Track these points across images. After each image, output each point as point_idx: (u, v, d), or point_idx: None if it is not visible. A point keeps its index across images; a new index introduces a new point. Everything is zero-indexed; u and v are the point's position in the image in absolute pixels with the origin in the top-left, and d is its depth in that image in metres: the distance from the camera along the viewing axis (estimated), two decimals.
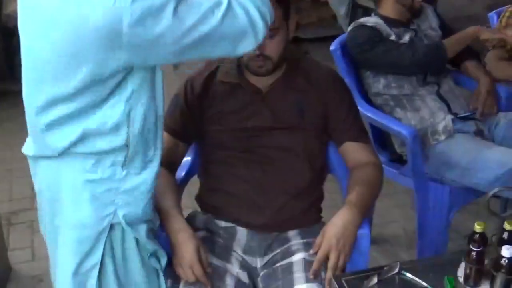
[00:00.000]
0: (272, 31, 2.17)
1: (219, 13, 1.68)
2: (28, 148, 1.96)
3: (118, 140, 1.81)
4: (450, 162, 2.86)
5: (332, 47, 3.20)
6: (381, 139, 3.15)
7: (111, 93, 1.75)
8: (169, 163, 2.36)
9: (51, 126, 1.80)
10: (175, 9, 1.62)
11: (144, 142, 1.85)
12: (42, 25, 1.71)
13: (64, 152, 1.82)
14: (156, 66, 1.82)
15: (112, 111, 1.77)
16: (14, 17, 4.85)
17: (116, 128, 1.79)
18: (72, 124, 1.78)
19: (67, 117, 1.77)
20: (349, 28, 3.18)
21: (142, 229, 1.92)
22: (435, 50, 3.00)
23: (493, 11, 3.57)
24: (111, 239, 1.89)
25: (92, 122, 1.77)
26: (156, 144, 1.91)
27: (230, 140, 2.35)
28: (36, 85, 1.79)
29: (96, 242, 1.87)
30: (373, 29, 3.03)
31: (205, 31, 1.67)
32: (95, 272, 1.89)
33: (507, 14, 3.35)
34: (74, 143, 1.79)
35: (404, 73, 3.01)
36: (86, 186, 1.84)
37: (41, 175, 1.95)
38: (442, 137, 2.93)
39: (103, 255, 1.88)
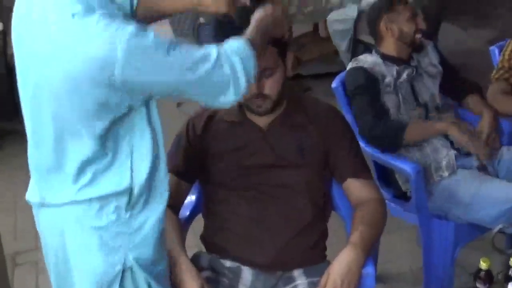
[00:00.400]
0: (269, 70, 2.21)
1: (208, 64, 1.69)
2: (32, 194, 1.94)
3: (123, 182, 1.79)
4: (454, 198, 2.85)
5: (333, 85, 3.21)
6: (385, 176, 3.14)
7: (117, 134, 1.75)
8: (173, 203, 2.34)
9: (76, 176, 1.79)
10: (168, 52, 1.63)
11: (148, 182, 1.83)
12: (39, 63, 1.70)
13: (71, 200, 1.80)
14: (152, 108, 1.80)
15: (118, 154, 1.77)
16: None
17: (120, 170, 1.78)
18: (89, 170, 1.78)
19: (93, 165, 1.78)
20: (348, 67, 3.20)
21: (154, 272, 1.89)
22: (393, 135, 2.94)
23: (494, 45, 3.58)
24: (123, 286, 1.84)
25: (102, 165, 1.77)
26: (161, 183, 1.88)
27: (232, 178, 2.36)
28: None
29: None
30: (368, 74, 3.03)
31: (192, 80, 1.68)
32: None
33: (509, 48, 3.35)
34: (84, 187, 1.78)
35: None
36: (94, 233, 1.81)
37: (45, 223, 1.92)
38: (446, 173, 2.93)
39: None
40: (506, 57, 3.35)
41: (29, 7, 1.73)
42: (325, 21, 5.67)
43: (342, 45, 5.43)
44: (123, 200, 1.79)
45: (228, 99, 1.76)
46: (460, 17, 7.07)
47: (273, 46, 2.15)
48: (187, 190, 2.44)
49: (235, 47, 1.76)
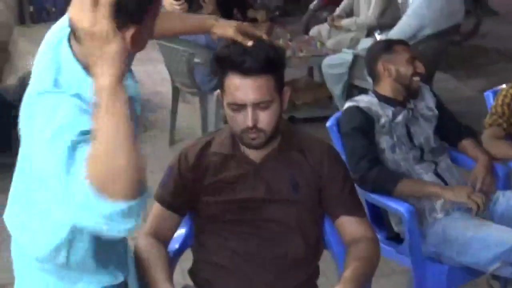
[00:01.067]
0: (264, 103, 2.17)
1: None
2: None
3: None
4: (448, 241, 2.82)
5: (328, 124, 3.21)
6: (378, 217, 3.11)
7: None
8: (162, 235, 2.33)
9: None
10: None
11: None
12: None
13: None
14: None
15: None
16: (12, 90, 4.88)
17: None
18: None
19: None
20: (345, 107, 3.18)
21: None
22: (384, 186, 2.91)
23: (489, 91, 3.59)
24: None
25: None
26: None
27: (223, 211, 2.32)
28: None
29: None
30: (363, 114, 3.03)
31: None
32: None
33: (503, 93, 3.36)
34: None
35: None
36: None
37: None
38: (440, 215, 2.90)
39: None
40: (500, 102, 3.35)
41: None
42: (320, 65, 5.71)
43: (337, 90, 5.47)
44: None
45: None
46: (455, 67, 7.13)
47: (270, 74, 2.14)
48: (177, 222, 2.39)
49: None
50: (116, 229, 1.50)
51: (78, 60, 1.67)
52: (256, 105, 2.16)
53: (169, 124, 5.37)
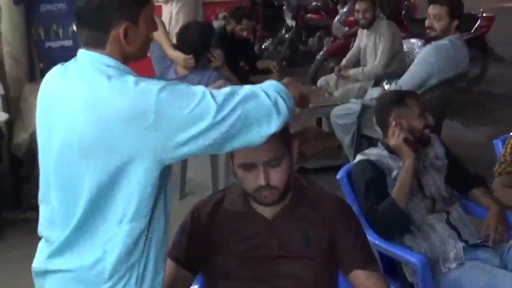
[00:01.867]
0: (275, 160, 2.18)
1: (241, 94, 1.80)
2: (40, 261, 1.98)
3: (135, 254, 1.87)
4: None
5: (339, 175, 3.21)
6: (391, 268, 3.09)
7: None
8: None
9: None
10: (199, 93, 1.78)
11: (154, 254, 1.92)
12: (69, 120, 1.83)
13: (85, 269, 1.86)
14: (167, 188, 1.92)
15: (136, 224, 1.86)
16: (24, 147, 4.91)
17: (136, 242, 1.87)
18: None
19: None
20: (355, 160, 3.19)
21: None
22: (390, 209, 2.92)
23: (498, 139, 3.60)
24: None
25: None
26: (163, 255, 1.99)
27: (236, 269, 2.31)
28: None
29: None
30: (375, 167, 3.04)
31: (230, 108, 1.78)
32: None
33: (511, 141, 3.37)
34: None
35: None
36: None
37: None
38: (454, 265, 2.88)
39: None
40: (508, 150, 3.37)
41: (59, 77, 1.94)
42: (328, 116, 5.74)
43: (346, 139, 5.47)
44: (134, 275, 1.89)
45: (273, 126, 1.85)
46: (463, 113, 7.16)
47: (278, 133, 2.15)
48: (190, 280, 2.38)
49: (266, 83, 1.89)
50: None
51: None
52: (267, 163, 2.18)
53: (179, 177, 5.38)
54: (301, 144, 5.88)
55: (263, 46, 9.65)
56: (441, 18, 4.69)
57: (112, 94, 1.77)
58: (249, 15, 6.49)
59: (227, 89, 1.82)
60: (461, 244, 2.93)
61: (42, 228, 2.02)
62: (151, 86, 1.76)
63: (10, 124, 5.06)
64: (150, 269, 1.91)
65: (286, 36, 9.46)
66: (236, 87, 1.85)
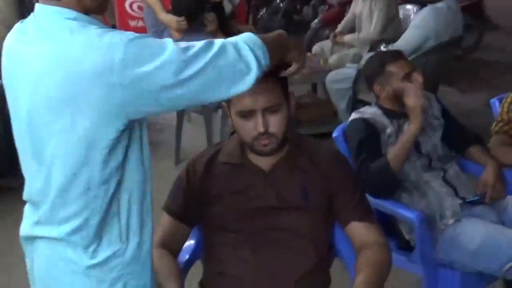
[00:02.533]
0: (274, 107, 2.17)
1: (212, 51, 1.70)
2: (27, 228, 1.91)
3: (116, 214, 1.80)
4: (459, 247, 2.79)
5: (334, 134, 3.21)
6: (389, 226, 3.08)
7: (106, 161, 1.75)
8: (171, 246, 2.31)
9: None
10: (171, 48, 1.67)
11: (137, 208, 1.84)
12: (34, 81, 1.72)
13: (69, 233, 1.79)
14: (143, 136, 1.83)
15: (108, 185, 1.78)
16: None
17: (112, 202, 1.79)
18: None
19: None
20: (350, 118, 3.18)
21: None
22: (384, 171, 2.90)
23: (495, 98, 3.59)
24: None
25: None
26: (148, 207, 1.89)
27: (233, 221, 2.31)
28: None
29: None
30: (369, 125, 3.03)
31: (199, 67, 1.68)
32: None
33: (508, 100, 3.36)
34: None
35: None
36: (91, 271, 1.79)
37: (39, 260, 1.88)
38: (451, 221, 2.87)
39: None
40: (505, 109, 3.35)
41: (19, 38, 1.80)
42: (324, 82, 5.72)
43: (341, 104, 5.46)
44: (115, 229, 1.81)
45: (243, 85, 1.75)
46: (459, 81, 7.14)
47: (276, 81, 2.14)
48: (187, 233, 2.38)
49: (241, 35, 1.79)
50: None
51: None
52: (266, 110, 2.16)
53: (175, 143, 5.37)
54: (296, 110, 5.85)
55: (258, 16, 9.60)
56: None
57: (76, 49, 1.67)
58: None
59: (199, 44, 1.72)
60: (458, 201, 2.92)
61: (26, 193, 1.93)
62: (117, 39, 1.66)
63: (3, 92, 5.02)
64: (134, 223, 1.84)
65: (281, 5, 9.40)
66: (210, 41, 1.74)
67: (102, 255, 1.79)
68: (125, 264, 1.81)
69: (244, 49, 1.74)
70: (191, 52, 1.69)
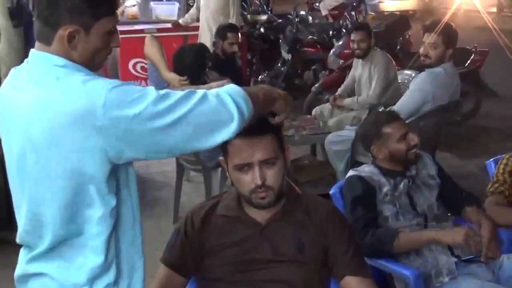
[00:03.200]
0: (270, 160, 2.21)
1: (193, 100, 1.75)
2: (21, 267, 1.98)
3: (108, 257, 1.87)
4: None
5: (331, 191, 3.26)
6: (384, 283, 3.09)
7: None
8: None
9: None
10: (152, 95, 1.73)
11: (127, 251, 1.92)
12: (23, 127, 1.80)
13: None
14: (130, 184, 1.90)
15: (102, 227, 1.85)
16: None
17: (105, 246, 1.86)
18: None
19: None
20: (347, 176, 3.21)
21: None
22: (382, 245, 2.90)
23: (491, 160, 3.63)
24: None
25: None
26: (139, 251, 1.96)
27: (229, 273, 2.32)
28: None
29: None
30: (366, 183, 3.06)
31: (178, 115, 1.73)
32: None
33: (504, 161, 3.40)
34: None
35: None
36: None
37: None
38: (446, 279, 2.88)
39: None
40: (501, 170, 3.39)
41: (12, 83, 1.90)
42: (323, 144, 5.76)
43: (340, 166, 5.49)
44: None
45: (226, 133, 1.80)
46: (458, 146, 7.18)
47: (275, 134, 2.20)
48: (183, 284, 2.39)
49: (224, 87, 1.84)
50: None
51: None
52: (263, 163, 2.19)
53: (173, 202, 5.38)
54: (295, 171, 5.89)
55: (259, 79, 9.71)
56: (436, 46, 4.75)
57: (60, 95, 1.73)
58: (232, 28, 6.53)
59: (181, 93, 1.77)
60: (453, 259, 2.93)
61: (20, 235, 1.97)
62: (100, 86, 1.72)
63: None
64: (125, 268, 1.91)
65: (282, 69, 9.52)
66: (192, 91, 1.80)
67: None
68: None
69: (226, 99, 1.79)
70: (171, 100, 1.74)
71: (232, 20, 7.53)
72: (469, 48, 8.13)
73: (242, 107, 1.81)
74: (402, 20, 9.77)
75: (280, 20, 10.63)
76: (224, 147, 2.23)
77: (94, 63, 1.92)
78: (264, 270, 2.30)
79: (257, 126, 2.17)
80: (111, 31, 1.92)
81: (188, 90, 1.79)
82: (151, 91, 1.74)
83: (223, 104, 1.78)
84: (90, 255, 1.85)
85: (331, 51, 8.84)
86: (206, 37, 7.04)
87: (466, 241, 2.76)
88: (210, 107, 1.77)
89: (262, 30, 10.24)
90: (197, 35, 7.80)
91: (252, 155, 2.19)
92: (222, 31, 6.40)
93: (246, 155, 2.19)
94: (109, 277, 1.86)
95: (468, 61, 7.97)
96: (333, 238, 2.35)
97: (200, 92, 1.78)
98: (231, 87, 1.85)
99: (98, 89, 1.72)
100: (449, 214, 3.24)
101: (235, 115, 1.79)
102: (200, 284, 2.42)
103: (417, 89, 4.90)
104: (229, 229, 2.35)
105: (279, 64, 9.68)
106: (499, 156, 3.57)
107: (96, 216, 1.82)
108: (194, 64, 5.00)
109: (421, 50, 4.85)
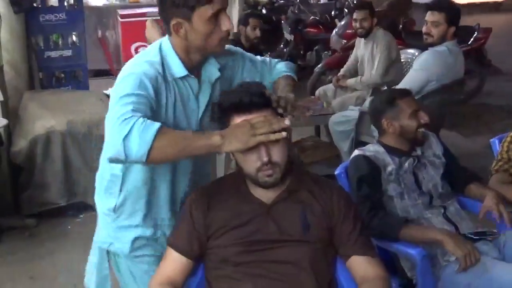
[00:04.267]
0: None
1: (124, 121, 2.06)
2: None
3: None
4: (462, 283, 2.80)
5: (337, 171, 3.25)
6: (390, 263, 3.09)
7: None
8: (175, 281, 2.34)
9: None
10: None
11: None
12: None
13: None
14: None
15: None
16: (23, 154, 4.90)
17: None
18: None
19: None
20: (352, 155, 3.21)
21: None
22: (387, 232, 2.90)
23: (495, 137, 3.62)
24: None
25: None
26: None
27: (235, 254, 2.32)
28: None
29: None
30: (371, 162, 3.06)
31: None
32: None
33: (508, 139, 3.39)
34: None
35: None
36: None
37: None
38: (452, 258, 2.88)
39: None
40: (505, 148, 3.39)
41: None
42: (327, 125, 5.75)
43: (344, 147, 5.48)
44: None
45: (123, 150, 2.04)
46: (461, 125, 7.17)
47: (275, 112, 2.21)
48: (190, 267, 2.39)
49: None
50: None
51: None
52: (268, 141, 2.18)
53: None
54: (300, 153, 5.89)
55: None
56: (438, 24, 4.72)
57: None
58: (252, 14, 6.59)
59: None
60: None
61: None
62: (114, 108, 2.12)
63: (9, 131, 5.09)
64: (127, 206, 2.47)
65: (285, 50, 9.50)
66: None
67: None
68: None
69: (136, 126, 2.04)
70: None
71: (235, 2, 7.51)
72: (472, 26, 8.09)
73: (145, 139, 2.03)
74: None
75: (282, 1, 10.59)
76: (225, 127, 2.23)
77: (208, 47, 2.30)
78: (270, 250, 2.31)
79: (259, 101, 2.20)
80: (215, 17, 2.23)
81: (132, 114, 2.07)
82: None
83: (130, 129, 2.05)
84: None
85: (334, 31, 8.82)
86: None
87: (464, 259, 2.76)
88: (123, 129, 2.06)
89: (264, 11, 10.20)
90: None
91: None
92: (244, 18, 6.44)
93: None
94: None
95: (471, 39, 7.93)
96: (338, 218, 2.36)
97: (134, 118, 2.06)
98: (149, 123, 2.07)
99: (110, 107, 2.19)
100: (453, 193, 3.23)
101: (135, 141, 2.03)
102: (208, 265, 2.42)
103: (420, 68, 4.88)
104: (234, 210, 2.36)
105: (282, 45, 9.65)
106: (503, 134, 3.56)
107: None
108: None
109: (424, 28, 4.83)
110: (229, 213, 2.35)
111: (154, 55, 2.32)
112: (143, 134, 2.01)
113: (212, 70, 2.43)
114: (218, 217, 2.35)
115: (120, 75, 2.28)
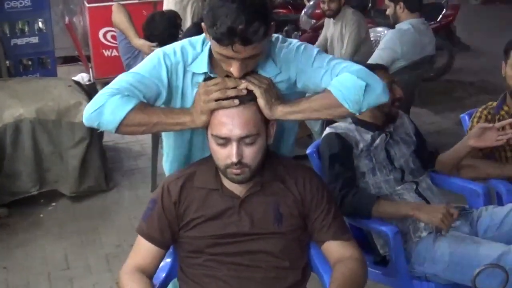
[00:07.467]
0: (250, 137, 2.16)
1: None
2: None
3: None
4: (433, 258, 2.82)
5: (308, 150, 3.24)
6: (363, 241, 3.11)
7: None
8: (145, 269, 2.31)
9: None
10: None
11: None
12: None
13: None
14: None
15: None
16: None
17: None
18: None
19: None
20: (324, 134, 3.21)
21: None
22: (360, 210, 2.90)
23: (465, 113, 3.64)
24: None
25: None
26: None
27: (208, 246, 2.31)
28: None
29: None
30: (342, 139, 3.05)
31: None
32: None
33: (477, 114, 3.42)
34: None
35: None
36: None
37: None
38: (424, 234, 2.90)
39: None
40: (475, 124, 3.40)
41: None
42: None
43: (315, 126, 5.49)
44: None
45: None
46: (432, 102, 7.21)
47: (255, 108, 2.17)
48: (161, 256, 2.37)
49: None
50: None
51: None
52: (242, 140, 2.15)
53: (151, 170, 5.36)
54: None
55: None
56: (388, 5, 4.82)
57: None
58: None
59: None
60: None
61: None
62: None
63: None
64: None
65: None
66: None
67: None
68: None
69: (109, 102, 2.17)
70: None
71: None
72: (440, 2, 8.12)
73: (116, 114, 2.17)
74: None
75: None
76: None
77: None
78: (243, 242, 2.30)
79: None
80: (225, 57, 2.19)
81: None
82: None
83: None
84: None
85: (303, 12, 8.78)
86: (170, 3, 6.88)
87: (442, 222, 2.75)
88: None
89: None
90: None
91: (231, 130, 2.14)
92: None
93: (225, 129, 2.14)
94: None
95: (440, 16, 7.97)
96: (311, 205, 2.34)
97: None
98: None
99: None
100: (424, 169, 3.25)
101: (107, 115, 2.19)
102: (180, 253, 2.41)
103: (385, 47, 4.92)
104: (207, 201, 2.32)
105: None
106: (472, 110, 3.58)
107: None
108: (165, 33, 4.93)
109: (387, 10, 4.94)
110: (202, 205, 2.31)
111: (199, 46, 2.33)
112: (116, 110, 2.15)
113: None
114: (191, 208, 2.32)
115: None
